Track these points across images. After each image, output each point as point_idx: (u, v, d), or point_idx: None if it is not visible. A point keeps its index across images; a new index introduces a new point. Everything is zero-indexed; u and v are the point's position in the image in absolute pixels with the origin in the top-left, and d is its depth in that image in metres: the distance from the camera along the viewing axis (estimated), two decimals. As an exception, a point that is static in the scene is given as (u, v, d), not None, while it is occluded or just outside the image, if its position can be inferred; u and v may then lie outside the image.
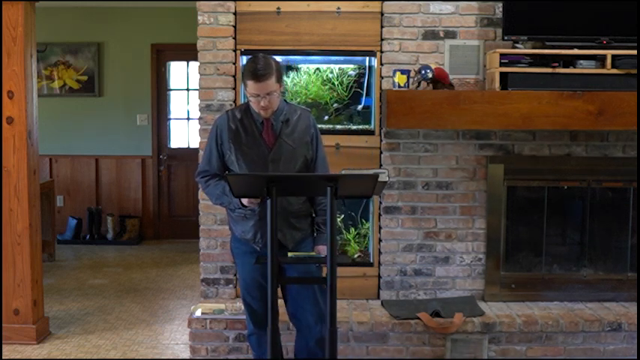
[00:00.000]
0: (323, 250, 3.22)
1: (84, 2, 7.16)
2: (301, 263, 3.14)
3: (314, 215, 3.31)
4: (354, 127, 4.19)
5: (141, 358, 4.06)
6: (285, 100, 3.25)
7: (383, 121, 3.97)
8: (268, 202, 2.80)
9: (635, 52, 3.78)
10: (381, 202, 4.15)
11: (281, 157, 3.14)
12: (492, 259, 4.18)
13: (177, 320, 4.73)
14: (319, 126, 3.45)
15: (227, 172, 3.20)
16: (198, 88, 4.12)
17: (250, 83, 3.00)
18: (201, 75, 4.09)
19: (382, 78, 4.09)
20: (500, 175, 4.13)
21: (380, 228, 4.18)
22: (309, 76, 4.24)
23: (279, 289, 3.38)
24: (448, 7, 4.06)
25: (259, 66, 2.98)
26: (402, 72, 3.91)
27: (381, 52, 4.10)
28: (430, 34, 4.08)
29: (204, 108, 4.10)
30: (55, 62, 7.41)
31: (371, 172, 2.97)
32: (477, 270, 4.20)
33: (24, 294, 4.20)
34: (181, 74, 7.61)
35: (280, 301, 3.38)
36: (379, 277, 4.22)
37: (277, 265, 2.87)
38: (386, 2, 4.06)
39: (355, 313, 3.92)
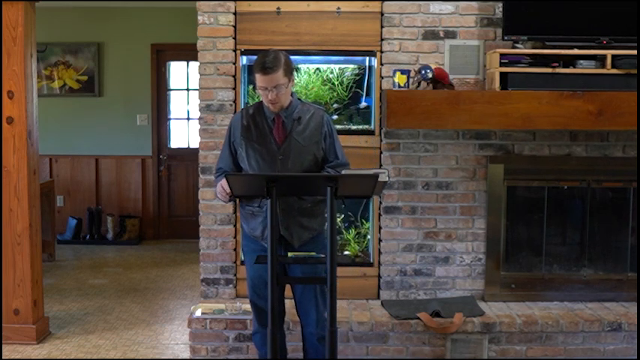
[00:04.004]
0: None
1: (84, 2, 7.16)
2: (300, 263, 3.13)
3: (326, 215, 3.26)
4: (354, 127, 4.19)
5: (141, 358, 4.06)
6: (299, 99, 3.28)
7: (383, 121, 3.97)
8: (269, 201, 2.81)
9: (635, 52, 3.78)
10: (381, 202, 4.15)
11: (290, 154, 3.14)
12: (492, 259, 4.18)
13: (177, 320, 4.73)
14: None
15: (229, 170, 3.23)
16: (198, 88, 4.12)
17: (258, 76, 3.06)
18: (201, 75, 4.09)
19: (382, 78, 4.09)
20: (500, 175, 4.13)
21: (380, 228, 4.17)
22: (309, 76, 4.24)
23: (287, 288, 3.39)
24: (448, 7, 4.06)
25: (267, 59, 3.04)
26: (402, 72, 3.91)
27: (381, 52, 4.10)
28: (430, 34, 4.08)
29: (204, 108, 4.10)
30: (55, 62, 7.41)
31: (371, 172, 2.97)
32: (477, 270, 4.20)
33: (24, 294, 4.20)
34: (181, 74, 7.61)
35: (288, 301, 3.40)
36: (379, 277, 4.22)
37: (278, 264, 2.87)
38: (386, 2, 4.06)
39: (355, 313, 3.92)
